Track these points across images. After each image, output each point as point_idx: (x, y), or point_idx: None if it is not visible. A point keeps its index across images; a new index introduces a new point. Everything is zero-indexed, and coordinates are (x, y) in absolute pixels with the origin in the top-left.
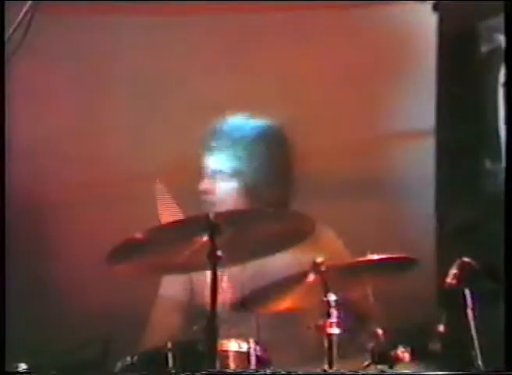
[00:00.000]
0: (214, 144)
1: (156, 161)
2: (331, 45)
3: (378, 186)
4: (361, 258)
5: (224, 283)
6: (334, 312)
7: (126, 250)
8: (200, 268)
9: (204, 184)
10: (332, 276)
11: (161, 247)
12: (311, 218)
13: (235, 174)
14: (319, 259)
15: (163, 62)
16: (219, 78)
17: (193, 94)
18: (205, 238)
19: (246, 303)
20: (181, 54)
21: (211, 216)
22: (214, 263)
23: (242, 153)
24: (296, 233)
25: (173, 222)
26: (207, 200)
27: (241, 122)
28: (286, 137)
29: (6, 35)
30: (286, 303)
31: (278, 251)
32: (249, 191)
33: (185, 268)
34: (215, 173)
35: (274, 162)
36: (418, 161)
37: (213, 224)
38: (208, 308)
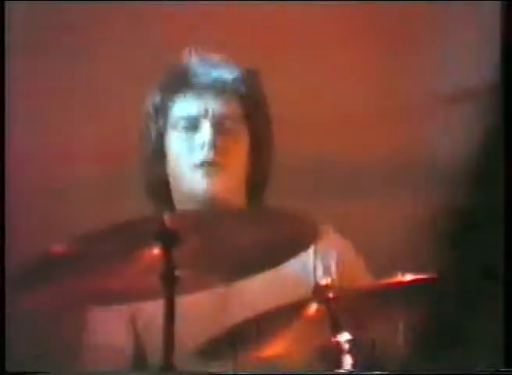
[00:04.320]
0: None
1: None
2: None
3: (405, 173)
4: (387, 280)
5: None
6: (347, 359)
7: (40, 270)
8: (149, 295)
9: (207, 134)
10: (344, 307)
11: (92, 265)
12: (312, 220)
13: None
14: (324, 281)
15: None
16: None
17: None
18: (157, 251)
19: (216, 348)
20: None
21: (167, 218)
22: (170, 288)
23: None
24: (292, 243)
25: (109, 227)
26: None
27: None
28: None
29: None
30: (275, 347)
31: (264, 268)
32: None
33: (126, 296)
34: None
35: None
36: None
37: (169, 230)
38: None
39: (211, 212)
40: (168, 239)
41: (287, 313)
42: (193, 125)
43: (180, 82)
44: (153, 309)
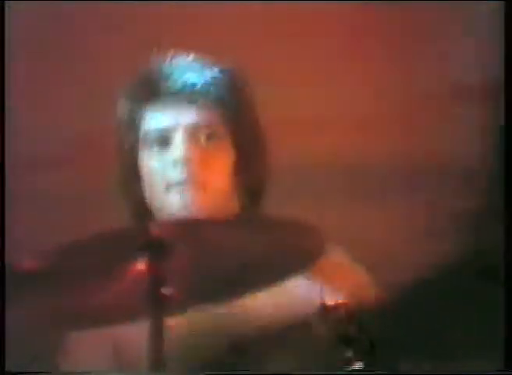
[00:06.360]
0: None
1: None
2: None
3: (406, 175)
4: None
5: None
6: None
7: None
8: (134, 316)
9: (180, 150)
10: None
11: (69, 282)
12: (318, 231)
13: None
14: (331, 301)
15: None
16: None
17: None
18: (142, 265)
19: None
20: None
21: (153, 227)
22: (157, 307)
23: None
24: (297, 256)
25: (89, 239)
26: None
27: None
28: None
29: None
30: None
31: (265, 285)
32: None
33: (108, 317)
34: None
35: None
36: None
37: (156, 241)
38: None
39: (203, 221)
40: (156, 252)
41: (291, 335)
42: (164, 139)
43: (149, 89)
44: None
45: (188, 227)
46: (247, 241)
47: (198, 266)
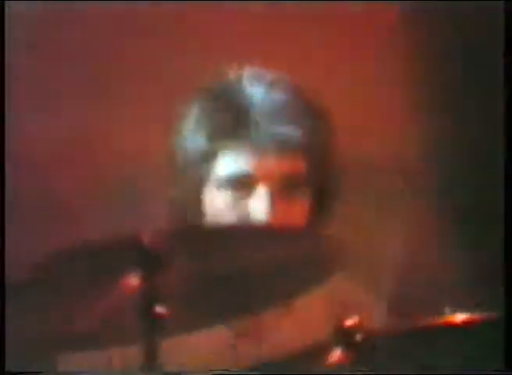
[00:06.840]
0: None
1: None
2: None
3: (411, 174)
4: (431, 319)
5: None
6: None
7: None
8: (126, 338)
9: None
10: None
11: (54, 298)
12: (340, 241)
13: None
14: (350, 321)
15: None
16: None
17: None
18: (135, 280)
19: None
20: None
21: (146, 237)
22: (150, 328)
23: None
24: (312, 269)
25: (74, 250)
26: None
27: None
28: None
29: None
30: None
31: (277, 302)
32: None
33: (96, 338)
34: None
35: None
36: None
37: (149, 253)
38: None
39: (207, 230)
40: (151, 264)
41: (304, 360)
42: (244, 185)
43: (235, 128)
44: None
45: (186, 237)
46: (256, 252)
47: (197, 281)
